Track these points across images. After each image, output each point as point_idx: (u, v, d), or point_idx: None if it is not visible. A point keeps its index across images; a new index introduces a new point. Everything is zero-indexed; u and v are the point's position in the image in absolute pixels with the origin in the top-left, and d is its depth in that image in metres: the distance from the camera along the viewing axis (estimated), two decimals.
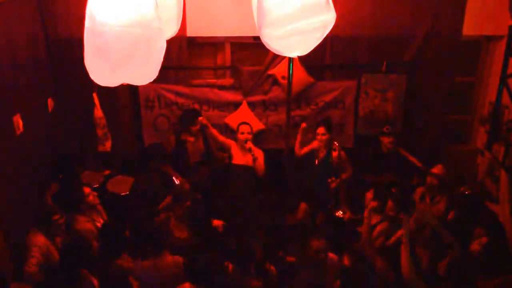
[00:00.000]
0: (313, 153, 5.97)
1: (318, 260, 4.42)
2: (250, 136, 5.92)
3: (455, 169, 5.86)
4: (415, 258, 4.11)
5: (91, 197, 4.97)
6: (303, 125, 5.98)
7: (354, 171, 5.97)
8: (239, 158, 5.95)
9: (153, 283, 4.22)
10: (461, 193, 5.23)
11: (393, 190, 5.42)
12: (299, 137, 5.95)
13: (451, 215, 4.94)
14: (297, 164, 6.02)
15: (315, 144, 5.97)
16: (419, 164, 5.85)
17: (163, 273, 4.23)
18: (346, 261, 4.68)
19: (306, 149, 6.01)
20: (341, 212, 5.61)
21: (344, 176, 5.79)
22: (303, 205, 6.05)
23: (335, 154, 5.72)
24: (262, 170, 5.92)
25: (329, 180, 5.74)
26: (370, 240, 4.60)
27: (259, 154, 5.97)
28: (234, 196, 5.87)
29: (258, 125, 6.43)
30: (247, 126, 5.96)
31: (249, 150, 5.83)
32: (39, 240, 4.31)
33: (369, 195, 5.28)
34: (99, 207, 5.11)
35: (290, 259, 4.69)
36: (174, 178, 5.50)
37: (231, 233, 5.03)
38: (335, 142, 5.77)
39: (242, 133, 5.91)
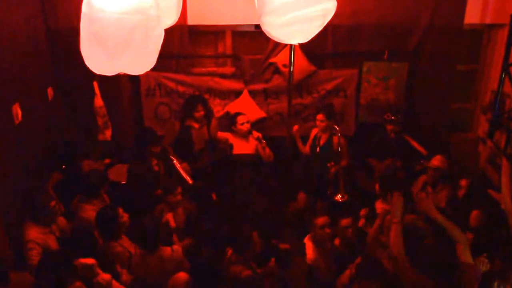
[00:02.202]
0: (314, 141, 5.96)
1: (323, 239, 4.51)
2: (249, 125, 5.90)
3: (456, 158, 5.87)
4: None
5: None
6: (296, 127, 5.97)
7: (351, 159, 5.99)
8: (238, 147, 5.93)
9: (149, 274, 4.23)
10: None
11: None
12: (298, 140, 5.99)
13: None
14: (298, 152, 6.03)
15: (314, 132, 5.98)
16: (424, 152, 5.85)
17: (160, 265, 4.24)
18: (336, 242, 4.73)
19: (309, 142, 6.02)
20: (340, 196, 5.65)
21: (342, 163, 5.81)
22: (302, 194, 6.06)
23: (336, 139, 5.74)
24: (271, 155, 5.92)
25: (328, 165, 5.75)
26: (378, 242, 4.59)
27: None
28: (236, 185, 5.86)
29: (259, 113, 6.41)
30: (245, 116, 5.93)
31: (258, 139, 5.82)
32: (32, 234, 4.29)
33: (379, 204, 5.24)
34: (104, 196, 5.11)
35: (284, 246, 4.70)
36: (174, 160, 5.52)
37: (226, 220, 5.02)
38: (336, 127, 5.77)
39: (242, 123, 5.87)
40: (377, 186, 5.34)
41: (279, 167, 6.05)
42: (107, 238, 4.41)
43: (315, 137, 5.98)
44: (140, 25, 2.68)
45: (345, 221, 4.63)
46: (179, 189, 5.03)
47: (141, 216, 4.53)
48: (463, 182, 5.11)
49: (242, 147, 5.90)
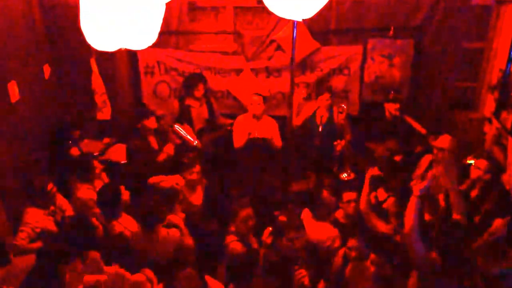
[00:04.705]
0: (314, 119, 5.86)
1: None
2: (261, 108, 5.69)
3: (462, 138, 5.79)
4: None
5: (97, 170, 4.98)
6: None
7: (354, 135, 5.92)
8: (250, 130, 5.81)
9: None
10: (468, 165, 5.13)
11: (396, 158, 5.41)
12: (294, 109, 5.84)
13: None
14: (301, 131, 5.94)
15: (310, 109, 5.87)
16: (422, 130, 5.78)
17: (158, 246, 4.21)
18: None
19: (302, 117, 5.90)
20: (346, 175, 5.65)
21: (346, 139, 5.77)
22: (312, 175, 6.00)
23: (341, 116, 5.68)
24: (279, 144, 5.80)
25: (335, 143, 5.68)
26: (370, 204, 4.56)
27: (273, 124, 5.83)
28: (242, 167, 5.83)
29: (262, 92, 6.28)
30: (259, 97, 5.71)
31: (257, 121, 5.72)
32: (30, 218, 4.29)
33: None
34: (103, 175, 5.09)
35: (282, 218, 4.75)
36: (189, 137, 5.51)
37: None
38: (343, 105, 5.70)
39: (251, 104, 5.69)
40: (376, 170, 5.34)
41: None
42: (108, 216, 4.37)
43: (313, 115, 5.85)
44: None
45: (348, 195, 4.64)
46: (198, 168, 4.99)
47: (142, 194, 4.49)
48: (482, 164, 4.93)
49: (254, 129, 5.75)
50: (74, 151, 5.40)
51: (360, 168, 5.90)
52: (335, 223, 4.71)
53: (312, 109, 5.90)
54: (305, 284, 3.76)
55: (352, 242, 4.05)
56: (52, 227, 4.36)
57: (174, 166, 5.27)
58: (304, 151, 5.94)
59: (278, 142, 5.76)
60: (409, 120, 5.92)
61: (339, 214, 4.75)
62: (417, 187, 3.82)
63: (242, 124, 5.74)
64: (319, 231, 4.59)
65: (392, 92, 5.94)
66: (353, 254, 3.97)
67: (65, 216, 4.56)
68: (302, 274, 3.78)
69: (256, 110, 5.68)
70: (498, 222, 3.93)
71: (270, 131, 5.72)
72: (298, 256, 4.27)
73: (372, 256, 3.84)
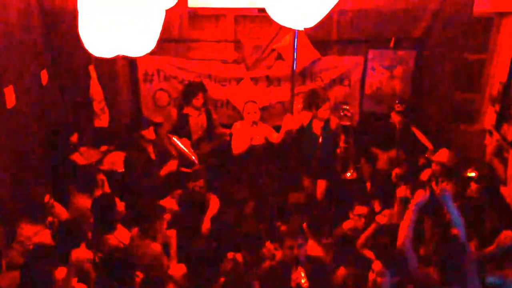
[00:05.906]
0: (312, 130, 5.76)
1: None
2: (258, 115, 5.71)
3: (462, 150, 5.76)
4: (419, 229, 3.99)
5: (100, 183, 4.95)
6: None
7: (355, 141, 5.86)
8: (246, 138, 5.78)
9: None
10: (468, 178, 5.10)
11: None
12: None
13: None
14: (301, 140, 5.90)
15: (304, 118, 5.77)
16: (429, 145, 5.74)
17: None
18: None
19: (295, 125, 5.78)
20: (349, 174, 5.68)
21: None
22: (306, 181, 5.94)
23: (346, 119, 5.66)
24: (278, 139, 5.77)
25: (341, 144, 5.65)
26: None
27: (268, 128, 5.82)
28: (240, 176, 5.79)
29: (262, 102, 6.26)
30: (254, 104, 5.72)
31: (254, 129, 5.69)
32: (25, 233, 4.22)
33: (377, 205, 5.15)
34: (106, 186, 5.06)
35: (283, 228, 4.73)
36: (187, 151, 5.48)
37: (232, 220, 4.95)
38: (347, 107, 5.70)
39: (248, 113, 5.68)
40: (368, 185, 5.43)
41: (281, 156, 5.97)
42: (103, 227, 4.30)
43: (311, 126, 5.78)
44: (140, 6, 2.58)
45: (359, 209, 4.63)
46: (202, 182, 5.00)
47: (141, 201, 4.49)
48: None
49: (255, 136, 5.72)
50: (77, 157, 5.34)
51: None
52: (339, 236, 4.69)
53: (305, 119, 5.82)
54: (302, 284, 3.73)
55: (342, 271, 4.01)
56: (48, 240, 4.26)
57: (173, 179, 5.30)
58: (305, 162, 5.88)
59: (276, 138, 5.74)
60: (416, 132, 5.88)
61: (347, 225, 4.73)
62: (414, 200, 3.83)
63: (241, 131, 5.73)
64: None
65: (398, 103, 5.90)
66: (350, 282, 3.93)
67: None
68: (299, 274, 3.75)
69: (254, 118, 5.68)
70: (506, 233, 3.95)
71: (266, 135, 5.75)
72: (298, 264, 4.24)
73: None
